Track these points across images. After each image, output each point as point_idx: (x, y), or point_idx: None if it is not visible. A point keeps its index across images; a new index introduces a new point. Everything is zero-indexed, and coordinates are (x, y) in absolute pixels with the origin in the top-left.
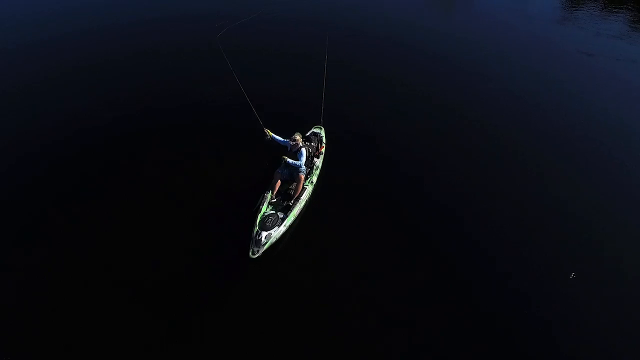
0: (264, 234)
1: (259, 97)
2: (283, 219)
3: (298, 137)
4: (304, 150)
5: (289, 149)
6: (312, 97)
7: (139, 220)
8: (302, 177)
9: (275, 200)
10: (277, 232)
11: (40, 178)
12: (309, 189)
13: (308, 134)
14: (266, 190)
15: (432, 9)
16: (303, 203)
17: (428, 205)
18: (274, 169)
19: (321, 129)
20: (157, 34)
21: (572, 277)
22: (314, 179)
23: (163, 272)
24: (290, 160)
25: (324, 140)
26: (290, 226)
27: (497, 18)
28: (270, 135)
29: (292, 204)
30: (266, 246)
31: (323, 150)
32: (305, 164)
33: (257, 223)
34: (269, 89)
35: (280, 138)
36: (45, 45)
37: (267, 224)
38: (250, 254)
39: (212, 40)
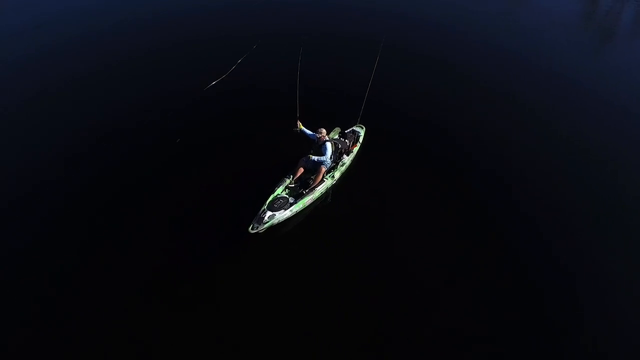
0: (268, 213)
1: (303, 87)
2: (291, 204)
3: (324, 131)
4: (328, 144)
5: (315, 142)
6: (355, 96)
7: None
8: (323, 169)
9: (293, 185)
10: (281, 214)
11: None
12: (328, 182)
13: (347, 130)
14: (287, 174)
15: (583, 41)
16: (317, 194)
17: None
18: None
19: (362, 128)
20: (219, 18)
21: None
22: (337, 174)
23: (169, 232)
24: (315, 158)
25: (360, 139)
26: (299, 213)
27: None
28: (300, 128)
29: (306, 192)
30: (266, 225)
31: (355, 149)
32: (331, 159)
33: (267, 202)
34: (314, 81)
35: (308, 132)
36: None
37: (275, 205)
38: (250, 228)
39: (270, 29)
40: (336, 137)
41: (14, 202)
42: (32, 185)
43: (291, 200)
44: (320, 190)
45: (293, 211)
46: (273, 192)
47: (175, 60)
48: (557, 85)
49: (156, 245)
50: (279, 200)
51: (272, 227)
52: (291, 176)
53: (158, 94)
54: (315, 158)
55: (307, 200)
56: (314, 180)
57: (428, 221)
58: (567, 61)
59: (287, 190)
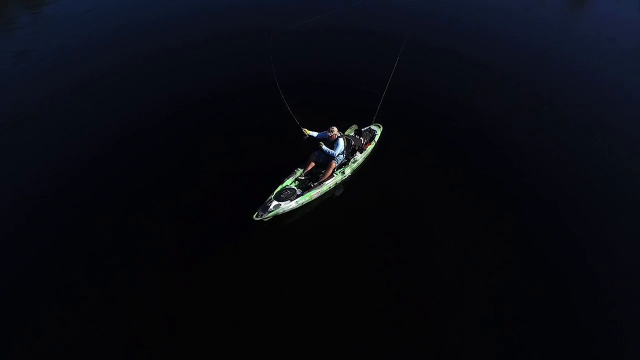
0: (274, 202)
1: (320, 87)
2: (298, 196)
3: (335, 129)
4: (340, 140)
5: (328, 139)
6: (373, 94)
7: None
8: (334, 165)
9: (303, 178)
10: (286, 205)
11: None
12: (337, 178)
13: (365, 128)
14: (299, 167)
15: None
16: (325, 188)
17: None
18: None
19: (379, 127)
20: (225, 19)
21: None
22: (348, 170)
23: (179, 215)
24: (325, 148)
25: (376, 138)
26: (305, 206)
27: None
28: (308, 134)
29: (314, 186)
30: (271, 214)
31: (369, 147)
32: (343, 154)
33: (274, 192)
34: (332, 77)
35: (317, 134)
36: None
37: (282, 196)
38: (254, 216)
39: (285, 26)
40: (352, 134)
41: (51, 187)
42: (62, 174)
43: (298, 192)
44: (328, 184)
45: (299, 203)
46: (282, 182)
47: (205, 55)
48: (598, 95)
49: (169, 224)
50: (286, 191)
51: (277, 216)
52: (302, 169)
53: (186, 86)
54: (325, 148)
55: (314, 194)
56: (324, 175)
57: (436, 227)
58: (616, 75)
59: (296, 182)
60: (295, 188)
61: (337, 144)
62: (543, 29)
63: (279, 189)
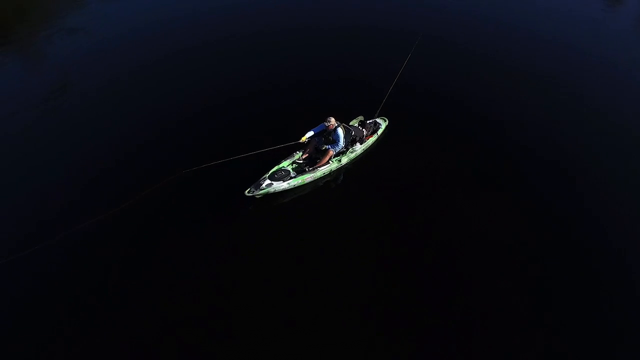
0: (267, 181)
1: (328, 80)
2: (291, 178)
3: (332, 119)
4: (339, 130)
5: (325, 131)
6: (381, 89)
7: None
8: (331, 152)
9: (301, 162)
10: (278, 185)
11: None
12: (333, 165)
13: (370, 120)
14: (298, 150)
15: None
16: (318, 174)
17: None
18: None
19: (385, 121)
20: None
21: None
22: (344, 160)
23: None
24: (329, 146)
25: (379, 132)
26: (297, 188)
27: None
28: (307, 139)
29: (308, 170)
30: (262, 192)
31: (370, 139)
32: (343, 144)
33: (270, 172)
34: (340, 74)
35: (314, 129)
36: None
37: (276, 176)
38: (246, 191)
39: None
40: (356, 124)
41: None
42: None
43: (292, 174)
44: (322, 170)
45: (290, 184)
46: (279, 163)
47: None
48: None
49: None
50: (281, 172)
51: (268, 195)
52: (301, 152)
53: (207, 79)
54: (329, 147)
55: (306, 178)
56: (320, 160)
57: (433, 222)
58: None
59: (293, 165)
60: (290, 170)
61: (338, 136)
62: (570, 29)
63: (274, 169)
